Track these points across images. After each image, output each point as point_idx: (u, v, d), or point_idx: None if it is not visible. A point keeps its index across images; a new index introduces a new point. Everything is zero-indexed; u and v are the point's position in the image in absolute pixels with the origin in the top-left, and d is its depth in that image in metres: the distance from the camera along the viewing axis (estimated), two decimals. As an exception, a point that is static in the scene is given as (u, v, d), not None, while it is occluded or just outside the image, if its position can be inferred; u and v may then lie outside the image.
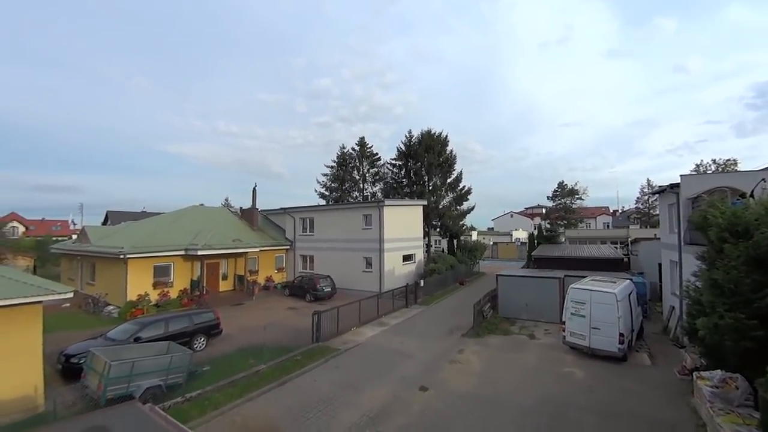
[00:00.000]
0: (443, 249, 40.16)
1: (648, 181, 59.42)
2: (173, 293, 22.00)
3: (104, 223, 46.67)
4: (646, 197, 58.35)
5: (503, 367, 12.28)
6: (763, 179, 11.51)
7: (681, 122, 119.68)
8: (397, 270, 26.33)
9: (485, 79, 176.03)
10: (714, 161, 47.85)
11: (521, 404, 9.62)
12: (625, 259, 26.20)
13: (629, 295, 13.76)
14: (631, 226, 54.67)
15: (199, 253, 21.93)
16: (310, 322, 14.80)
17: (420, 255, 30.57)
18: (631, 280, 15.87)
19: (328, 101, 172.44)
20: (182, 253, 22.33)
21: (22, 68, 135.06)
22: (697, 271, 8.52)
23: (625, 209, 72.07)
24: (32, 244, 39.83)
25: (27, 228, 61.48)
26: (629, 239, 34.73)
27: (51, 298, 9.08)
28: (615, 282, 14.32)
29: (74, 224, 63.69)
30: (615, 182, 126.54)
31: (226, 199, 63.74)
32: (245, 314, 19.89)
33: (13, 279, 9.34)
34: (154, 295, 20.89)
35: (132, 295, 19.86)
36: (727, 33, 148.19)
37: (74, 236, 35.29)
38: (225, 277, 26.05)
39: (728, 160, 46.99)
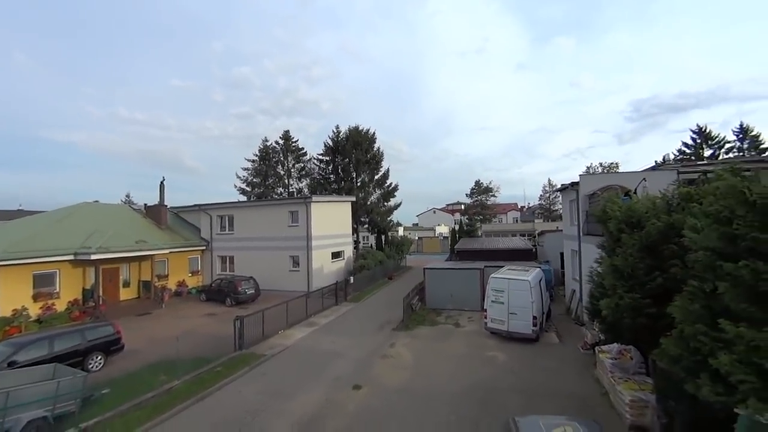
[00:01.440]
0: (372, 245, 40.52)
1: (549, 180, 67.52)
2: (60, 306, 18.62)
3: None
4: (548, 194, 65.93)
5: (433, 357, 12.64)
6: (644, 179, 13.53)
7: (575, 130, 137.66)
8: (326, 268, 25.74)
9: (410, 82, 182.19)
10: (601, 164, 56.08)
11: (453, 392, 9.94)
12: (534, 250, 29.05)
13: (540, 281, 15.20)
14: (536, 220, 61.22)
15: (93, 257, 18.85)
16: (231, 329, 13.61)
17: (349, 251, 30.33)
18: (540, 268, 17.59)
19: (249, 91, 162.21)
20: (71, 257, 18.99)
21: None
22: (599, 258, 9.68)
23: (530, 205, 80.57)
24: None
25: None
26: (536, 232, 38.67)
27: None
28: (528, 270, 15.72)
29: None
30: (522, 181, 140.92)
31: (128, 196, 56.54)
32: (154, 325, 17.65)
33: None
34: (34, 309, 17.50)
35: (5, 311, 16.38)
36: (613, 56, 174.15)
37: None
38: (127, 284, 22.82)
39: (612, 163, 55.59)
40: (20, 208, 43.17)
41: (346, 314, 19.23)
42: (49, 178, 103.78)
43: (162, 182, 27.57)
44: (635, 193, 12.83)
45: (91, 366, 11.85)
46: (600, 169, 54.83)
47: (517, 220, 74.44)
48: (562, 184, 19.64)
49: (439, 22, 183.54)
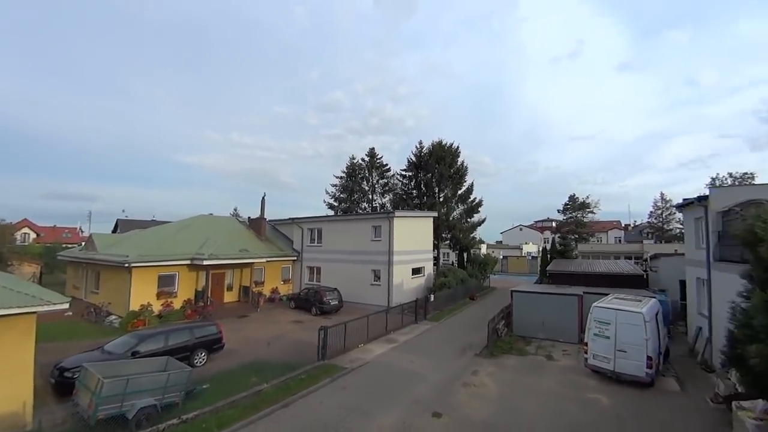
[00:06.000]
0: (452, 262, 39.35)
1: (662, 194, 58.20)
2: (177, 304, 21.57)
3: (114, 231, 46.67)
4: (661, 211, 56.95)
5: (522, 392, 11.44)
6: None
7: (693, 136, 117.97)
8: (406, 284, 25.59)
9: (496, 93, 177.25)
10: (730, 174, 46.72)
11: (545, 435, 8.80)
12: (645, 276, 25.08)
13: (656, 314, 12.88)
14: (645, 241, 53.26)
15: (205, 263, 21.52)
16: (316, 337, 14.12)
17: (429, 268, 29.80)
18: (655, 298, 14.98)
19: (339, 113, 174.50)
20: (188, 262, 21.97)
21: (43, 75, 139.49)
22: (744, 291, 7.73)
23: (637, 223, 70.52)
24: (40, 250, 39.89)
25: (38, 235, 61.72)
26: (646, 254, 33.45)
27: (44, 309, 8.59)
28: (640, 300, 13.48)
29: (82, 231, 63.90)
30: (626, 196, 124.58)
31: (235, 209, 63.94)
32: (249, 327, 19.28)
33: (6, 288, 8.87)
34: (157, 306, 20.48)
35: (135, 305, 19.43)
36: (739, 46, 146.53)
37: (83, 243, 35.25)
38: (230, 288, 25.57)
39: (745, 173, 45.90)
40: (154, 218, 51.71)
41: (425, 333, 18.70)
42: (176, 193, 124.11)
43: (263, 198, 30.63)
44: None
45: (195, 361, 13.19)
46: (730, 181, 45.60)
47: (620, 240, 65.64)
48: (684, 199, 16.58)
49: (528, 29, 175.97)
